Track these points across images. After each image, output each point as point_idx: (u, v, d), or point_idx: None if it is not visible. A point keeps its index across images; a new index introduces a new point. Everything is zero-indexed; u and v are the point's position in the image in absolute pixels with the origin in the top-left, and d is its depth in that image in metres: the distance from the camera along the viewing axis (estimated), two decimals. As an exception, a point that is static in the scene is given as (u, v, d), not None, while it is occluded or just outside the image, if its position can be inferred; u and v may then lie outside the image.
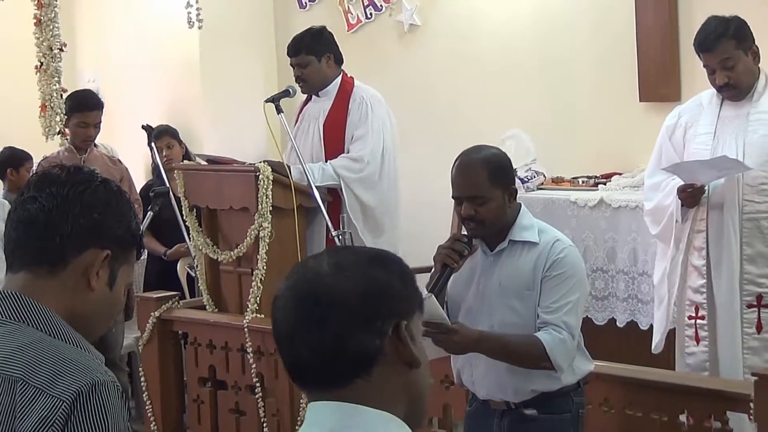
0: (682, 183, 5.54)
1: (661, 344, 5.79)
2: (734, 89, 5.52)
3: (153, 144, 7.53)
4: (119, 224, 2.45)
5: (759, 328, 5.51)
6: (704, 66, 5.58)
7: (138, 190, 7.98)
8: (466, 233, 4.33)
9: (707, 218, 5.57)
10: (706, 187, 5.52)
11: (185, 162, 7.37)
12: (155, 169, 8.13)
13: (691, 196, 5.53)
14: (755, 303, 5.51)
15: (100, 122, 7.73)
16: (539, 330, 4.16)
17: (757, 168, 5.45)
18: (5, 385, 2.25)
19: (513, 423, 4.31)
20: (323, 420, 2.00)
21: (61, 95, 7.93)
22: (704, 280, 5.60)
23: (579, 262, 4.30)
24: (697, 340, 5.64)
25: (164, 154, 7.81)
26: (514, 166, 7.08)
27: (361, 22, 8.86)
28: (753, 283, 5.51)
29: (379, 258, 2.08)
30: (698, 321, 5.63)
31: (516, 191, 4.34)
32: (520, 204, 4.36)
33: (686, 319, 5.70)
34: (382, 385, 2.01)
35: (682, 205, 5.58)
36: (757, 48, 5.55)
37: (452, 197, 4.33)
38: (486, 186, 4.21)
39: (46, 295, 2.39)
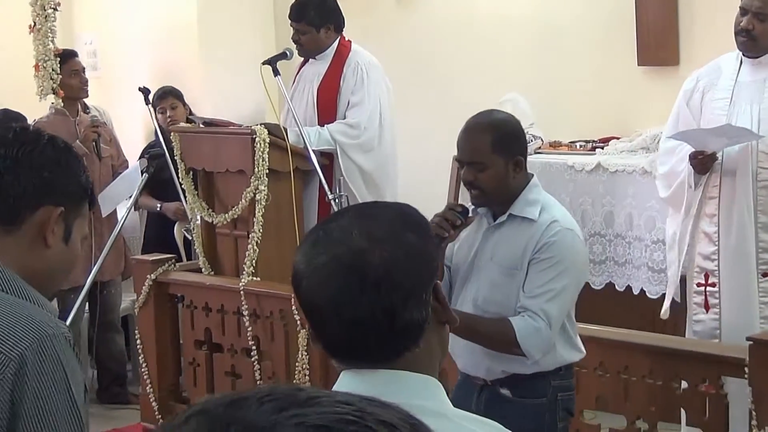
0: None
1: (668, 310, 5.77)
2: (753, 41, 5.47)
3: (150, 106, 7.53)
4: (70, 180, 2.47)
5: None
6: (740, 7, 5.51)
7: (141, 152, 7.96)
8: (461, 202, 4.24)
9: (720, 185, 5.53)
10: (718, 154, 5.48)
11: (183, 124, 7.33)
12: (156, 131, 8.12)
13: (701, 163, 5.48)
14: (771, 271, 5.48)
15: (84, 69, 7.79)
16: (517, 314, 4.00)
17: None
18: None
19: (490, 400, 4.16)
20: (365, 388, 1.95)
21: (56, 55, 7.89)
22: (715, 247, 5.54)
23: (573, 247, 4.07)
24: (707, 307, 5.58)
25: (168, 114, 7.79)
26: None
27: (360, -17, 8.81)
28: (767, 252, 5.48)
29: (407, 220, 2.06)
30: (708, 288, 5.58)
31: (522, 161, 4.12)
32: (532, 176, 4.18)
33: (695, 286, 5.65)
34: (426, 351, 2.02)
35: (695, 173, 5.54)
36: None
37: (455, 159, 4.22)
38: (487, 152, 4.06)
39: (1, 254, 2.41)
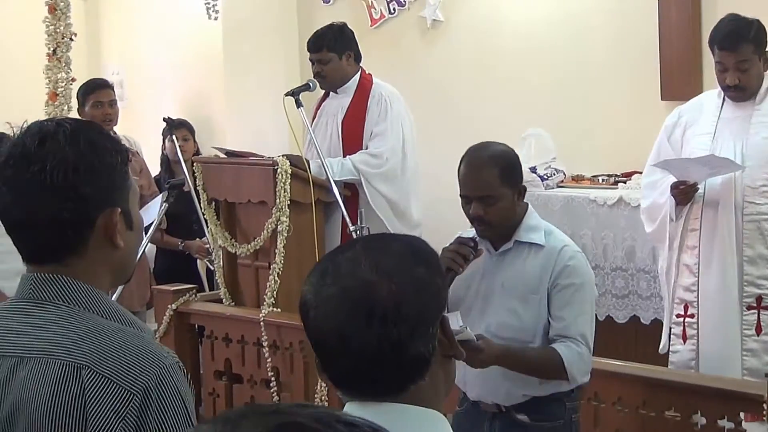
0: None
1: (667, 344, 5.77)
2: (742, 91, 5.51)
3: (173, 135, 7.57)
4: (111, 174, 2.38)
5: (759, 330, 5.48)
6: (717, 62, 5.56)
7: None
8: (471, 236, 4.24)
9: (701, 217, 5.56)
10: (700, 186, 5.50)
11: (202, 156, 7.37)
12: (164, 162, 8.16)
13: (683, 193, 5.51)
14: (755, 305, 5.49)
15: (116, 101, 7.63)
16: (555, 342, 4.05)
17: (758, 170, 5.44)
18: (71, 371, 2.22)
19: (504, 427, 4.18)
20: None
21: (71, 83, 7.91)
22: (695, 278, 5.58)
23: (587, 267, 4.19)
24: (684, 338, 5.62)
25: (179, 144, 7.82)
26: (534, 164, 7.15)
27: (385, 17, 8.84)
28: (753, 285, 5.49)
29: (416, 253, 2.06)
30: (687, 319, 5.61)
31: (524, 189, 4.20)
32: (527, 204, 4.24)
33: (674, 317, 5.68)
34: (431, 385, 2.01)
35: (676, 204, 5.56)
36: None
37: (460, 195, 4.18)
38: (497, 185, 4.08)
39: (84, 276, 2.34)
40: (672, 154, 5.70)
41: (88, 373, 2.21)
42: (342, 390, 2.05)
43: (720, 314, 5.51)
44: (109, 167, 2.37)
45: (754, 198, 5.47)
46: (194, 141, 8.17)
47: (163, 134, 7.96)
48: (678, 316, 5.65)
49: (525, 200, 4.24)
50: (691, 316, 5.59)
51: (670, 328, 5.73)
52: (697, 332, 5.58)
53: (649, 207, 5.82)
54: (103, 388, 2.20)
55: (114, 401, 2.20)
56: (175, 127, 7.75)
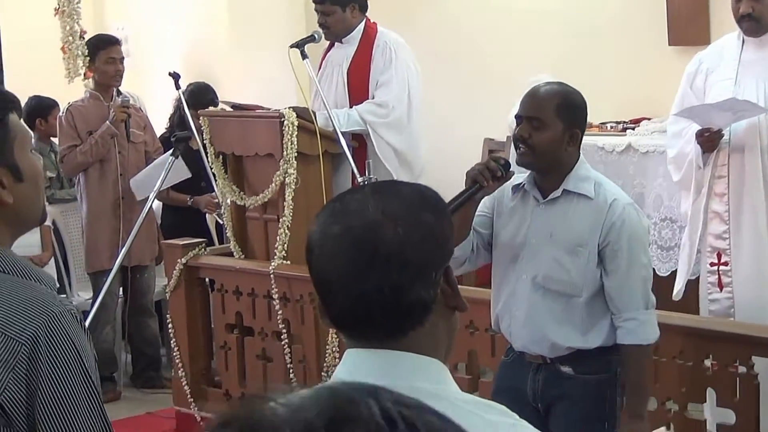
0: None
1: (682, 291, 5.75)
2: (756, 22, 5.44)
3: (181, 90, 7.54)
4: None
5: None
6: None
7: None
8: (503, 156, 4.20)
9: (728, 163, 5.51)
10: (725, 131, 5.46)
11: (210, 109, 7.34)
12: (171, 117, 8.12)
13: (708, 141, 5.46)
14: (785, 250, 5.45)
15: (124, 58, 7.68)
16: (618, 328, 4.08)
17: None
18: None
19: (549, 378, 4.16)
20: (368, 368, 1.96)
21: (82, 36, 7.89)
22: (726, 226, 5.53)
23: (639, 221, 4.14)
24: (720, 286, 5.58)
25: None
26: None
27: (389, -34, 8.77)
28: None
29: (425, 200, 2.04)
30: (721, 267, 5.57)
31: (580, 136, 4.11)
32: (580, 154, 4.15)
33: (708, 266, 5.64)
34: (431, 333, 1.99)
35: (703, 152, 5.52)
36: None
37: (515, 116, 4.14)
38: (550, 111, 4.04)
39: None
40: (695, 102, 5.64)
41: None
42: (343, 332, 2.05)
43: (753, 261, 5.47)
44: None
45: None
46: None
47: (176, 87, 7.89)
48: (712, 264, 5.59)
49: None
50: (725, 264, 5.55)
51: (707, 278, 5.66)
52: (732, 279, 5.54)
53: (676, 156, 5.77)
54: None
55: (2, 352, 2.22)
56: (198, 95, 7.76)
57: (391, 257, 1.93)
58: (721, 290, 5.57)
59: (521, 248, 4.16)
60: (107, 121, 7.32)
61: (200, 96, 7.90)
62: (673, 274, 6.17)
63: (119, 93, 7.70)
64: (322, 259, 1.99)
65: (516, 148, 4.15)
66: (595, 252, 4.06)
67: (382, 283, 1.93)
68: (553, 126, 4.04)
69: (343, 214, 2.00)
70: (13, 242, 2.43)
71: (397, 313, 1.95)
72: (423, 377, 1.95)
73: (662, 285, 6.39)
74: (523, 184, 4.20)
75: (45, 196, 2.48)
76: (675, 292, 5.75)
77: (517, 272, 4.16)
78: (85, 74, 7.79)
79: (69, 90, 8.09)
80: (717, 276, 5.58)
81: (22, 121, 2.48)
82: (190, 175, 7.12)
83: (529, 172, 4.21)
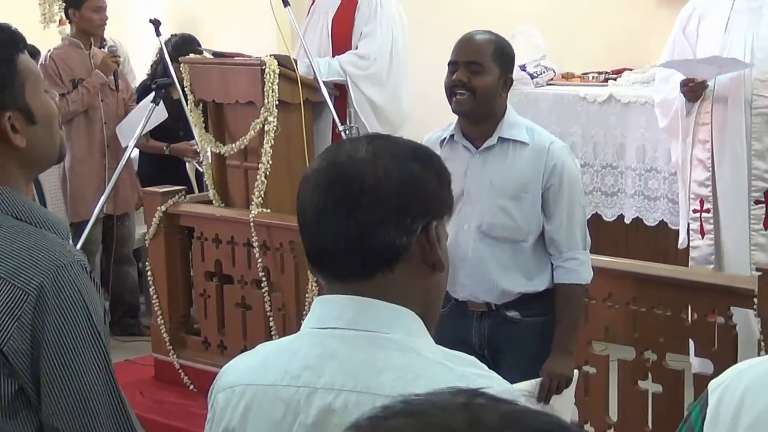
0: None
1: (686, 240, 5.76)
2: None
3: (161, 37, 7.47)
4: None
5: (766, 224, 5.48)
6: None
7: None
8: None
9: (711, 111, 5.52)
10: (709, 82, 5.46)
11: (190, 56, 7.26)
12: (153, 64, 8.06)
13: (692, 90, 5.48)
14: (762, 199, 5.48)
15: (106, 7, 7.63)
16: (556, 268, 4.16)
17: (767, 64, 5.39)
18: None
19: (494, 325, 4.23)
20: (337, 315, 1.95)
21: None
22: (709, 173, 5.56)
23: (573, 163, 4.22)
24: (702, 233, 5.61)
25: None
26: (524, 62, 7.09)
27: None
28: (761, 179, 5.47)
29: (419, 152, 2.03)
30: (703, 214, 5.60)
31: (511, 82, 4.21)
32: (507, 102, 4.23)
33: (691, 212, 5.66)
34: (402, 284, 1.96)
35: (687, 101, 5.53)
36: None
37: (448, 65, 4.17)
38: (488, 56, 4.11)
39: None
40: (687, 46, 5.65)
41: None
42: (315, 270, 2.04)
43: (733, 209, 5.50)
44: None
45: (763, 92, 5.43)
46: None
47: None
48: (695, 211, 5.63)
49: (515, 101, 4.23)
50: (707, 210, 5.58)
51: (689, 224, 5.71)
52: (714, 227, 5.57)
53: (662, 102, 5.79)
54: None
55: (8, 301, 2.19)
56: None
57: (365, 192, 1.92)
58: (702, 237, 5.59)
59: (458, 199, 4.12)
60: (96, 70, 7.27)
61: (184, 48, 7.81)
62: (662, 223, 6.21)
63: (103, 41, 7.62)
64: (304, 192, 2.00)
65: (452, 95, 4.15)
66: (539, 195, 4.13)
67: (351, 219, 1.92)
68: (491, 71, 4.10)
69: (335, 153, 2.01)
70: (29, 183, 2.41)
71: (362, 250, 1.94)
72: (391, 326, 1.94)
73: (650, 234, 6.43)
74: (452, 135, 4.21)
75: (61, 135, 2.43)
76: (681, 240, 5.78)
77: (458, 223, 4.17)
78: (60, 20, 7.70)
79: (44, 37, 8.00)
80: (699, 223, 5.60)
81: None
82: (167, 116, 7.07)
83: (451, 124, 4.25)
